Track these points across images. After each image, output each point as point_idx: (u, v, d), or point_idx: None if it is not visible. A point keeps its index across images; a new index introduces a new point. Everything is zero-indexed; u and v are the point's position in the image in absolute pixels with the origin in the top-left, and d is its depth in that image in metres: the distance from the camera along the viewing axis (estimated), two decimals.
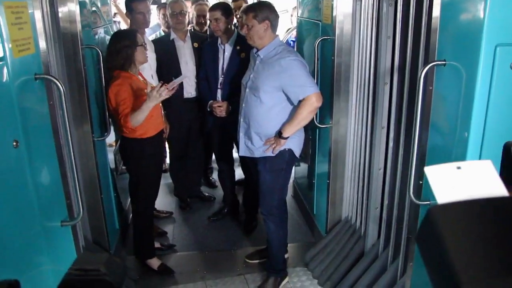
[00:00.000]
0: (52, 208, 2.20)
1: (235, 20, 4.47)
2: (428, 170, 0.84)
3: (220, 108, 3.99)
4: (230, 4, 4.80)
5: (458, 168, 0.83)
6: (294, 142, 3.26)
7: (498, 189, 0.81)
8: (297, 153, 3.33)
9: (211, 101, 4.08)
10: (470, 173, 0.82)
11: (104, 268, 1.49)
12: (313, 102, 3.03)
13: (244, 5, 4.44)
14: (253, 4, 3.38)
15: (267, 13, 3.14)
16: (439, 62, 2.13)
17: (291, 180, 4.60)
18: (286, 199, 3.61)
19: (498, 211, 0.78)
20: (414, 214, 2.55)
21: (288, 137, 3.14)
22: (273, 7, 3.25)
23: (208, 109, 4.13)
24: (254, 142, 3.30)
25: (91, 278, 1.53)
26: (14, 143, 1.79)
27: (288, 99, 3.13)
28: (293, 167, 3.62)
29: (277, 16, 3.22)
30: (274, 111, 3.18)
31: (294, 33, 5.69)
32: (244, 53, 3.89)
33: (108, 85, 3.32)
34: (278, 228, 3.46)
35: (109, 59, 3.34)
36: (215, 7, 4.06)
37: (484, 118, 1.91)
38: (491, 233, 0.74)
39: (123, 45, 3.28)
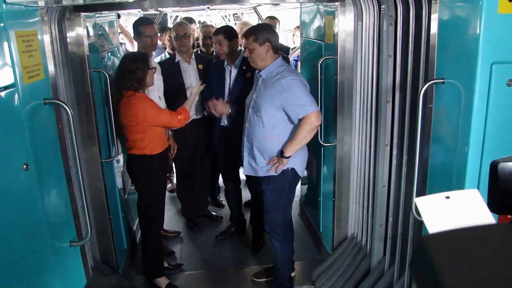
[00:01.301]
0: (61, 229, 2.25)
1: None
2: (419, 201, 0.88)
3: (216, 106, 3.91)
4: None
5: (447, 197, 0.87)
6: (297, 161, 3.29)
7: (486, 218, 0.84)
8: (300, 172, 3.36)
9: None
10: (458, 202, 0.86)
11: None
12: (312, 121, 3.05)
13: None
14: (253, 27, 3.42)
15: (267, 35, 3.19)
16: (438, 80, 2.18)
17: (297, 199, 4.63)
18: (293, 217, 3.63)
19: (486, 239, 0.81)
20: (418, 231, 2.56)
21: (290, 156, 3.17)
22: (272, 29, 3.33)
23: (205, 112, 4.19)
24: (257, 162, 3.33)
25: None
26: (24, 166, 1.84)
27: (289, 118, 3.16)
28: (298, 186, 3.59)
29: (277, 37, 3.29)
30: (276, 131, 3.21)
31: (297, 52, 5.77)
32: (249, 73, 3.95)
33: (119, 105, 3.41)
34: (282, 246, 3.48)
35: (122, 80, 3.39)
36: (218, 31, 4.16)
37: (483, 134, 1.95)
38: (482, 261, 0.76)
39: (137, 67, 3.36)
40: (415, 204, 2.31)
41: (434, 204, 0.86)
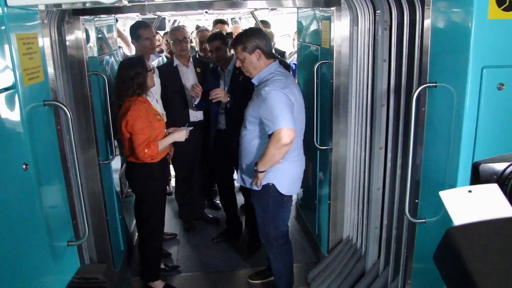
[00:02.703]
0: (59, 228, 2.28)
1: None
2: (443, 194, 0.92)
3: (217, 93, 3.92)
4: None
5: (469, 191, 0.92)
6: (277, 178, 3.12)
7: (507, 211, 0.89)
8: (283, 189, 3.16)
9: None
10: (480, 196, 0.91)
11: (103, 277, 1.58)
12: (280, 138, 2.80)
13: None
14: (239, 35, 3.17)
15: (256, 42, 3.02)
16: (431, 84, 2.21)
17: (293, 202, 4.64)
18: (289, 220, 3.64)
19: (509, 231, 0.85)
20: (412, 233, 2.59)
21: (264, 171, 3.00)
22: (261, 33, 3.13)
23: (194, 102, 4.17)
24: (244, 172, 3.24)
25: (91, 286, 1.62)
26: (24, 166, 1.87)
27: None
28: (288, 205, 3.35)
29: (267, 41, 3.07)
30: (257, 143, 3.08)
31: (295, 56, 5.81)
32: (242, 77, 3.97)
33: (121, 109, 3.40)
34: (276, 259, 3.42)
35: (123, 87, 3.37)
36: (213, 37, 4.18)
37: (474, 136, 1.99)
38: (507, 251, 0.80)
39: (136, 72, 3.36)
40: (408, 206, 2.36)
41: (457, 198, 0.91)
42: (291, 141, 2.83)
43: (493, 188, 0.92)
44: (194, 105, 4.21)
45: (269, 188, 3.14)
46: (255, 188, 3.16)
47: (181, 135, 3.61)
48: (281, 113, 2.82)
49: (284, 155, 2.93)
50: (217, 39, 4.09)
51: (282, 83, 2.95)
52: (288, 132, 2.81)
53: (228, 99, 3.93)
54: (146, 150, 3.31)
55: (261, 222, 3.35)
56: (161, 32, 7.16)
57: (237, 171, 4.16)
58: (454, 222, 0.87)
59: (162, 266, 4.03)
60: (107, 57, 4.03)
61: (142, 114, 3.33)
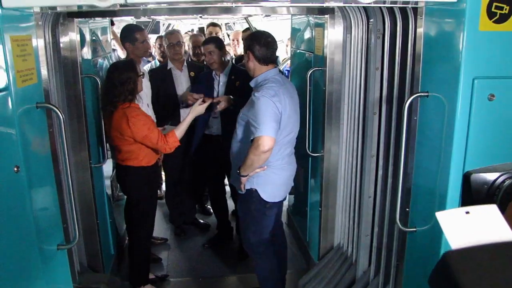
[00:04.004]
0: (49, 232, 2.26)
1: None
2: (440, 215, 0.88)
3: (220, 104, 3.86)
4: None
5: (467, 212, 0.88)
6: (261, 184, 3.13)
7: (506, 234, 0.86)
8: (265, 196, 3.15)
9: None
10: (478, 218, 0.87)
11: (105, 286, 1.57)
12: (258, 145, 2.82)
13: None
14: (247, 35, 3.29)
15: (248, 43, 3.08)
16: (422, 94, 2.23)
17: (284, 208, 4.64)
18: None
19: (509, 256, 0.83)
20: (402, 242, 2.60)
21: (246, 175, 3.02)
22: (260, 37, 3.09)
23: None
24: (233, 174, 3.24)
25: None
26: (15, 169, 1.86)
27: None
28: (270, 213, 3.29)
29: (264, 46, 3.05)
30: (245, 147, 3.03)
31: (288, 62, 5.83)
32: (238, 82, 3.98)
33: (114, 116, 3.33)
34: (258, 265, 3.42)
35: (114, 92, 3.30)
36: (208, 41, 4.20)
37: (465, 146, 2.01)
38: (505, 278, 0.78)
39: (128, 77, 3.30)
40: (399, 214, 2.36)
41: (454, 219, 0.87)
42: (269, 149, 2.85)
43: (492, 209, 0.88)
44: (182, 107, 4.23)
45: (252, 193, 3.15)
46: (239, 191, 3.19)
47: (200, 108, 3.57)
48: (265, 120, 2.85)
49: (263, 161, 2.94)
50: (211, 43, 4.10)
51: (273, 90, 2.95)
52: (268, 140, 2.84)
53: (232, 102, 3.87)
54: (164, 145, 3.35)
55: (242, 225, 3.39)
56: (153, 36, 7.16)
57: (228, 177, 4.15)
58: (451, 246, 0.84)
59: (152, 276, 3.97)
60: (101, 60, 4.02)
61: (142, 117, 3.33)
